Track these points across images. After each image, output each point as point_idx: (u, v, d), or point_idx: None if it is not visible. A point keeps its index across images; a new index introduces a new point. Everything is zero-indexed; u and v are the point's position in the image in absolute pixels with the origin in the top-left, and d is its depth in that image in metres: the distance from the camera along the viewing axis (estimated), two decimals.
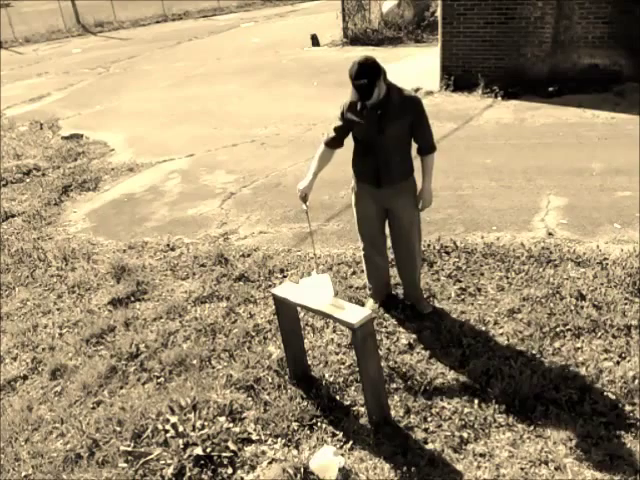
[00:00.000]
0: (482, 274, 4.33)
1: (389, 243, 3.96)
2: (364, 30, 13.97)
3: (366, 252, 3.96)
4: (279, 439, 3.08)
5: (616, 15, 8.12)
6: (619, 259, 4.31)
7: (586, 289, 3.98)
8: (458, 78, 9.05)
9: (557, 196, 5.49)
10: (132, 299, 4.56)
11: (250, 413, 3.26)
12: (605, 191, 5.49)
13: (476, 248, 4.66)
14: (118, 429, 3.24)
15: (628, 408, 3.03)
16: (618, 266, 4.22)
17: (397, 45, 13.42)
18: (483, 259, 4.51)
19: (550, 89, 8.42)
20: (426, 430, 3.05)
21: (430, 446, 2.95)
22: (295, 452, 2.99)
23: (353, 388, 3.36)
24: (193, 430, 3.11)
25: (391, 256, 4.07)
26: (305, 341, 3.62)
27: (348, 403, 3.27)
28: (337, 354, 3.65)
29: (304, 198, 3.52)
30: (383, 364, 3.34)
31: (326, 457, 2.84)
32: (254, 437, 3.11)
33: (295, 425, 3.14)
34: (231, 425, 3.16)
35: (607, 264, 4.27)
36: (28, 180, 7.48)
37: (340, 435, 3.05)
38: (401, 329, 3.82)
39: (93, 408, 3.49)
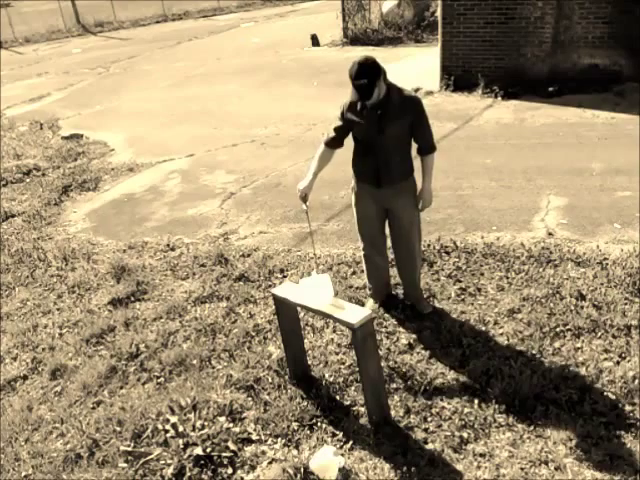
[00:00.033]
0: (482, 274, 4.33)
1: (389, 243, 3.96)
2: (364, 30, 13.97)
3: (366, 252, 3.96)
4: (279, 439, 3.08)
5: (616, 15, 8.12)
6: (619, 259, 4.31)
7: (586, 289, 3.98)
8: (458, 78, 9.05)
9: (557, 196, 5.49)
10: (132, 299, 4.56)
11: (250, 413, 3.26)
12: (605, 191, 5.49)
13: (476, 248, 4.66)
14: (118, 429, 3.24)
15: (628, 408, 3.03)
16: (618, 266, 4.22)
17: (397, 45, 13.42)
18: (483, 259, 4.51)
19: (550, 89, 8.42)
20: (426, 430, 3.05)
21: (430, 446, 2.95)
22: (295, 452, 2.99)
23: (353, 388, 3.36)
24: (193, 430, 3.11)
25: (391, 256, 4.07)
26: (305, 341, 3.62)
27: (348, 403, 3.27)
28: (337, 354, 3.65)
29: (304, 198, 3.52)
30: (383, 364, 3.35)
31: (326, 457, 2.84)
32: (254, 437, 3.11)
33: (295, 425, 3.14)
34: (231, 425, 3.16)
35: (607, 264, 4.27)
36: (28, 180, 7.48)
37: (340, 435, 3.05)
38: (401, 329, 3.82)
39: (93, 408, 3.49)
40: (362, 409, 3.19)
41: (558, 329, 3.64)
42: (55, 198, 6.77)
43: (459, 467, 2.82)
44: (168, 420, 3.19)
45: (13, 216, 6.46)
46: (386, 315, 3.96)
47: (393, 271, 4.15)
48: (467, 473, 2.79)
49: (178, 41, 17.99)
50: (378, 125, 3.40)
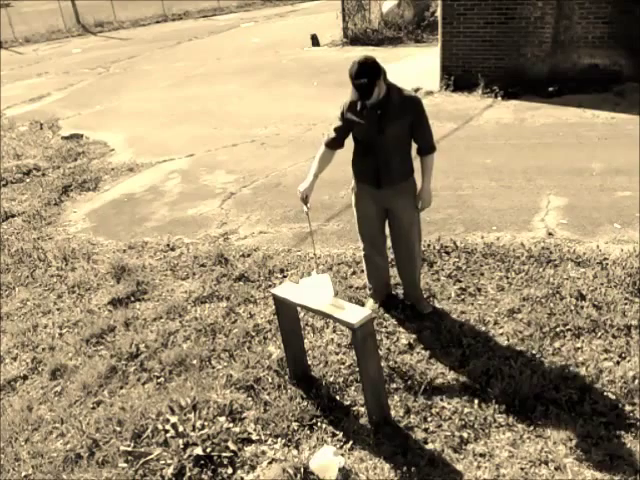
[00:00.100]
0: (482, 274, 4.33)
1: (389, 243, 3.96)
2: (364, 30, 13.97)
3: (366, 252, 3.96)
4: (279, 439, 3.08)
5: (616, 15, 8.12)
6: (619, 259, 4.31)
7: (586, 289, 3.98)
8: (458, 78, 9.05)
9: (557, 196, 5.49)
10: (132, 299, 4.56)
11: (250, 413, 3.26)
12: (605, 191, 5.49)
13: (476, 248, 4.66)
14: (118, 429, 3.24)
15: (628, 408, 3.03)
16: (618, 266, 4.22)
17: (397, 45, 13.42)
18: (483, 259, 4.51)
19: (550, 89, 8.42)
20: (426, 430, 3.05)
21: (430, 446, 2.95)
22: (295, 452, 2.99)
23: (353, 388, 3.36)
24: (193, 430, 3.11)
25: (391, 256, 4.07)
26: (305, 341, 3.62)
27: (348, 403, 3.27)
28: (337, 354, 3.65)
29: (305, 200, 3.51)
30: (383, 364, 3.34)
31: (326, 457, 2.84)
32: (254, 437, 3.11)
33: (295, 425, 3.14)
34: (231, 425, 3.16)
35: (607, 264, 4.27)
36: (28, 180, 7.48)
37: (340, 435, 3.05)
38: (401, 329, 3.82)
39: (93, 408, 3.49)
40: (362, 409, 3.19)
41: (558, 329, 3.64)
42: (55, 198, 6.77)
43: (459, 467, 2.82)
44: (168, 420, 3.19)
45: (13, 216, 6.46)
46: (386, 315, 3.96)
47: (393, 271, 4.15)
48: (467, 473, 2.79)
49: (178, 41, 17.99)
50: (378, 125, 3.40)
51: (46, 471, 3.09)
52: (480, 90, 8.82)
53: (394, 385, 3.35)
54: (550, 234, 4.82)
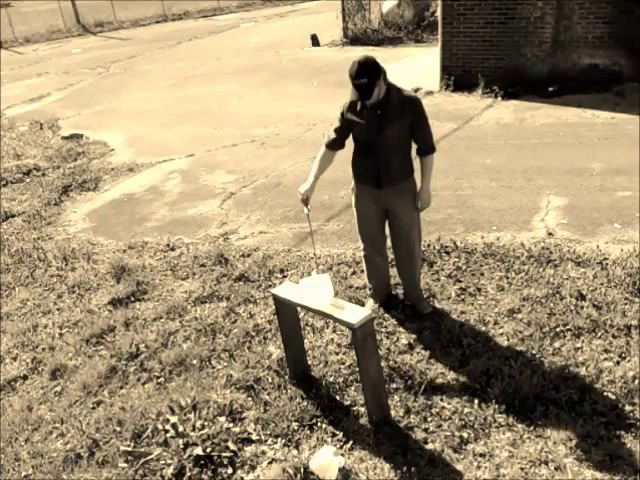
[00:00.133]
0: (482, 274, 4.33)
1: (389, 243, 3.96)
2: (364, 30, 13.97)
3: (366, 252, 3.96)
4: (279, 439, 3.08)
5: (616, 15, 8.12)
6: (619, 259, 4.31)
7: (586, 289, 3.98)
8: (458, 78, 9.05)
9: (557, 196, 5.49)
10: (132, 299, 4.56)
11: (250, 413, 3.26)
12: (605, 191, 5.49)
13: (476, 248, 4.66)
14: (118, 429, 3.24)
15: (628, 408, 3.03)
16: (618, 266, 4.22)
17: (397, 45, 13.42)
18: (483, 259, 4.51)
19: (550, 89, 8.42)
20: (426, 430, 3.05)
21: (430, 446, 2.95)
22: (295, 452, 2.99)
23: (353, 388, 3.36)
24: (193, 430, 3.11)
25: (391, 256, 4.07)
26: (305, 341, 3.62)
27: (348, 403, 3.27)
28: (337, 354, 3.65)
29: (305, 201, 3.51)
30: (383, 364, 3.34)
31: (326, 457, 2.84)
32: (254, 437, 3.11)
33: (295, 425, 3.14)
34: (231, 425, 3.16)
35: (607, 264, 4.27)
36: (28, 180, 7.48)
37: (340, 435, 3.05)
38: (401, 329, 3.82)
39: (93, 408, 3.49)
40: (362, 409, 3.19)
41: (558, 329, 3.64)
42: (55, 198, 6.77)
43: (459, 467, 2.82)
44: (168, 420, 3.19)
45: (13, 216, 6.46)
46: (386, 315, 3.96)
47: (393, 271, 4.15)
48: (467, 473, 2.79)
49: (178, 41, 18.00)
50: (378, 125, 3.40)
51: (46, 471, 3.09)
52: (480, 90, 8.82)
53: (394, 385, 3.35)
54: (550, 234, 4.82)
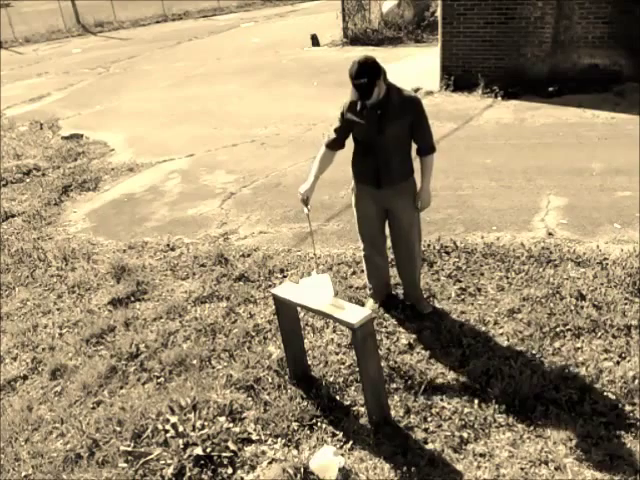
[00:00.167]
0: (482, 274, 4.33)
1: (389, 243, 3.96)
2: (364, 30, 13.97)
3: (366, 252, 3.95)
4: (279, 439, 3.08)
5: (616, 15, 8.12)
6: (619, 259, 4.31)
7: (586, 289, 3.98)
8: (458, 78, 9.05)
9: (557, 196, 5.49)
10: (132, 299, 4.56)
11: (250, 413, 3.26)
12: (605, 191, 5.49)
13: (476, 248, 4.66)
14: (118, 429, 3.24)
15: (628, 408, 3.03)
16: (618, 266, 4.22)
17: (397, 45, 13.42)
18: (483, 259, 4.51)
19: (550, 89, 8.42)
20: (426, 430, 3.05)
21: (430, 446, 2.95)
22: (295, 452, 2.99)
23: (353, 388, 3.36)
24: (193, 430, 3.11)
25: (391, 256, 4.07)
26: (305, 341, 3.62)
27: (348, 403, 3.27)
28: (337, 354, 3.64)
29: (305, 201, 3.51)
30: (383, 364, 3.34)
31: (326, 457, 2.84)
32: (254, 437, 3.11)
33: (295, 425, 3.14)
34: (231, 425, 3.16)
35: (607, 264, 4.27)
36: (28, 180, 7.48)
37: (340, 435, 3.05)
38: (401, 329, 3.82)
39: (93, 408, 3.49)
40: (362, 409, 3.19)
41: (558, 329, 3.64)
42: (55, 198, 6.77)
43: (459, 467, 2.82)
44: (168, 420, 3.19)
45: (13, 216, 6.46)
46: (386, 315, 3.96)
47: (393, 271, 4.15)
48: (467, 473, 2.79)
49: (178, 41, 18.00)
50: (378, 125, 3.40)
51: (46, 471, 3.09)
52: (480, 90, 8.82)
53: (394, 385, 3.35)
54: (550, 234, 4.82)
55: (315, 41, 14.49)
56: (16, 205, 6.74)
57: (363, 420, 3.13)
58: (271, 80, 11.54)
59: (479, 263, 4.46)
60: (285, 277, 4.57)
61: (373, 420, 3.08)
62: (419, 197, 3.66)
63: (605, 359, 3.37)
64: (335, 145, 3.59)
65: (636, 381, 3.16)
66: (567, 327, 3.64)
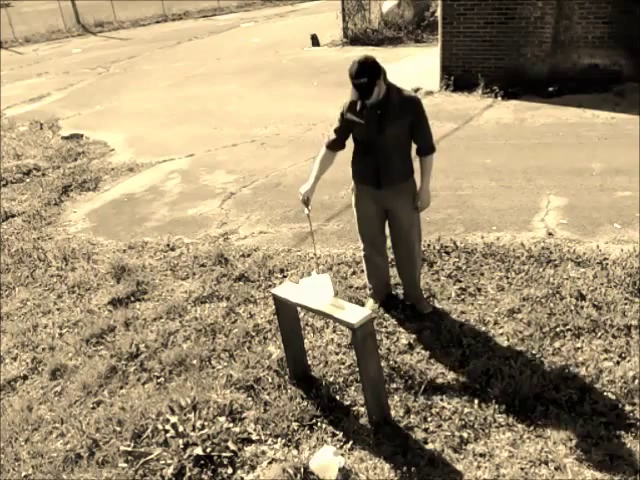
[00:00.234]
0: (482, 274, 4.33)
1: (389, 243, 3.96)
2: (364, 30, 13.97)
3: (366, 252, 3.95)
4: (279, 439, 3.08)
5: (616, 15, 8.12)
6: (619, 259, 4.31)
7: (586, 289, 3.98)
8: (458, 78, 9.05)
9: (557, 196, 5.49)
10: (132, 299, 4.56)
11: (250, 413, 3.26)
12: (605, 191, 5.49)
13: (476, 248, 4.66)
14: (118, 429, 3.24)
15: (628, 408, 3.03)
16: (618, 266, 4.22)
17: (397, 45, 13.42)
18: (483, 259, 4.51)
19: (550, 89, 8.42)
20: (426, 430, 3.05)
21: (430, 446, 2.95)
22: (295, 452, 2.99)
23: (353, 388, 3.36)
24: (193, 430, 3.11)
25: (391, 256, 4.07)
26: (305, 341, 3.62)
27: (348, 403, 3.27)
28: (337, 354, 3.64)
29: (306, 202, 3.51)
30: (383, 364, 3.34)
31: (326, 457, 2.84)
32: (254, 437, 3.11)
33: (295, 425, 3.14)
34: (231, 425, 3.16)
35: (607, 264, 4.27)
36: (28, 180, 7.48)
37: (340, 435, 3.05)
38: (401, 329, 3.82)
39: (93, 408, 3.49)
40: (362, 409, 3.19)
41: (558, 329, 3.64)
42: (55, 198, 6.77)
43: (459, 467, 2.82)
44: (168, 420, 3.19)
45: (13, 216, 6.46)
46: (386, 315, 3.96)
47: (393, 271, 4.15)
48: (467, 473, 2.79)
49: (178, 41, 18.00)
50: (378, 125, 3.40)
51: (46, 471, 3.09)
52: (480, 90, 8.82)
53: (394, 385, 3.35)
54: (550, 234, 4.82)
55: (315, 41, 14.49)
56: (16, 205, 6.74)
57: (363, 420, 3.13)
58: (271, 80, 11.54)
59: (479, 263, 4.46)
60: (285, 277, 4.57)
61: (373, 420, 3.08)
62: (419, 197, 3.66)
63: (605, 359, 3.37)
64: (335, 146, 3.59)
65: (636, 381, 3.16)
66: (567, 327, 3.64)
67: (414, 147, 3.59)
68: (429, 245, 4.72)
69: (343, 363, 3.56)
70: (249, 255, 4.98)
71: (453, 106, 8.54)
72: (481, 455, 2.87)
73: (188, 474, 2.90)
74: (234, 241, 5.32)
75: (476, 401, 3.17)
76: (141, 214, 6.18)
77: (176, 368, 3.70)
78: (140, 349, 3.92)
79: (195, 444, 3.01)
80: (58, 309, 4.60)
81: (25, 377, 3.88)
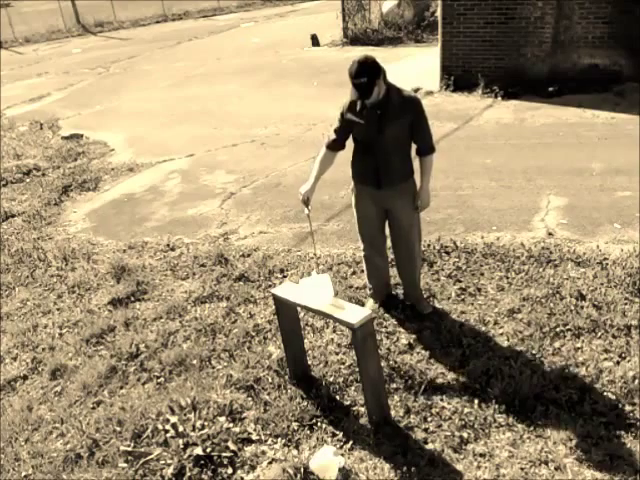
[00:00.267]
0: (482, 274, 4.33)
1: (389, 243, 3.96)
2: (364, 30, 13.97)
3: (366, 252, 3.95)
4: (279, 439, 3.08)
5: (616, 15, 8.12)
6: (619, 259, 4.31)
7: (586, 289, 3.98)
8: (458, 78, 9.05)
9: (557, 196, 5.49)
10: (132, 299, 4.56)
11: (250, 413, 3.26)
12: (605, 191, 5.49)
13: (476, 248, 4.66)
14: (118, 429, 3.24)
15: (628, 408, 3.03)
16: (618, 266, 4.22)
17: (397, 45, 13.42)
18: (483, 259, 4.51)
19: (550, 89, 8.42)
20: (426, 430, 3.05)
21: (430, 446, 2.95)
22: (295, 452, 2.99)
23: (353, 388, 3.36)
24: (193, 430, 3.11)
25: (391, 256, 4.07)
26: (305, 341, 3.62)
27: (348, 403, 3.27)
28: (337, 354, 3.64)
29: (306, 202, 3.51)
30: (383, 364, 3.34)
31: (326, 457, 2.84)
32: (254, 437, 3.11)
33: (295, 425, 3.14)
34: (231, 425, 3.16)
35: (607, 264, 4.27)
36: (28, 180, 7.48)
37: (340, 435, 3.05)
38: (401, 329, 3.82)
39: (93, 408, 3.49)
40: (362, 409, 3.19)
41: (558, 329, 3.64)
42: (55, 198, 6.77)
43: (459, 467, 2.82)
44: (168, 420, 3.19)
45: (13, 216, 6.46)
46: (386, 315, 3.96)
47: (393, 271, 4.15)
48: (467, 473, 2.79)
49: (178, 41, 18.00)
50: (378, 125, 3.40)
51: (46, 471, 3.09)
52: (480, 90, 8.82)
53: (394, 385, 3.35)
54: (550, 234, 4.82)
55: (315, 41, 14.49)
56: (16, 205, 6.74)
57: (363, 420, 3.13)
58: (271, 80, 11.54)
59: (479, 263, 4.46)
60: (285, 277, 4.57)
61: (373, 420, 3.08)
62: (419, 197, 3.66)
63: (605, 359, 3.37)
64: (335, 146, 3.59)
65: (636, 381, 3.16)
66: (567, 327, 3.64)
67: (414, 147, 3.59)
68: (429, 245, 4.72)
69: (343, 363, 3.56)
70: (249, 255, 4.98)
71: (453, 106, 8.54)
72: (481, 455, 2.87)
73: (188, 474, 2.90)
74: (234, 241, 5.32)
75: (476, 401, 3.17)
76: (141, 214, 6.18)
77: (176, 368, 3.71)
78: (140, 349, 3.92)
79: (195, 444, 3.01)
80: (58, 309, 4.60)
81: (25, 377, 3.88)
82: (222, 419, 3.19)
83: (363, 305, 3.93)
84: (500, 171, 6.17)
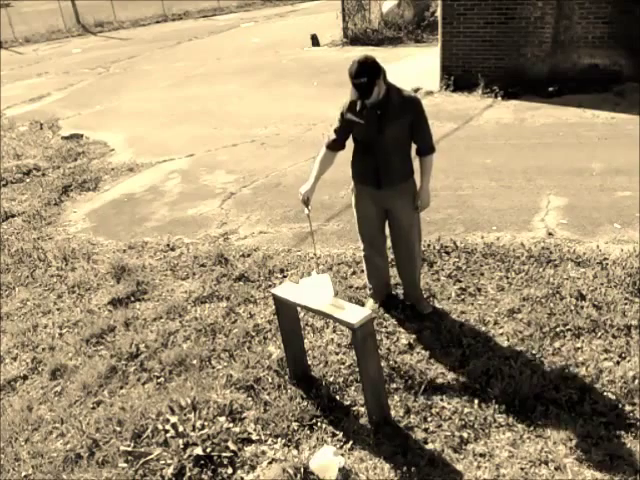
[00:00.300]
0: (482, 274, 4.33)
1: (389, 243, 3.96)
2: (364, 30, 13.97)
3: (366, 252, 3.95)
4: (279, 439, 3.08)
5: (616, 15, 8.12)
6: (619, 259, 4.31)
7: (586, 289, 3.98)
8: (458, 78, 9.05)
9: (557, 196, 5.49)
10: (132, 299, 4.56)
11: (250, 413, 3.26)
12: (605, 191, 5.49)
13: (476, 248, 4.66)
14: (118, 429, 3.24)
15: (628, 408, 3.03)
16: (618, 266, 4.22)
17: (397, 45, 13.42)
18: (483, 259, 4.51)
19: (550, 89, 8.42)
20: (426, 430, 3.05)
21: (430, 446, 2.95)
22: (295, 452, 2.99)
23: (353, 388, 3.36)
24: (193, 430, 3.11)
25: (391, 256, 4.07)
26: (305, 341, 3.62)
27: (348, 403, 3.27)
28: (337, 354, 3.64)
29: (306, 202, 3.51)
30: (383, 364, 3.34)
31: (326, 457, 2.84)
32: (254, 437, 3.11)
33: (295, 425, 3.14)
34: (231, 425, 3.16)
35: (607, 264, 4.27)
36: (28, 180, 7.48)
37: (340, 435, 3.05)
38: (401, 329, 3.82)
39: (93, 408, 3.49)
40: (362, 409, 3.19)
41: (558, 329, 3.64)
42: (55, 198, 6.77)
43: (459, 467, 2.82)
44: (168, 420, 3.19)
45: (13, 216, 6.46)
46: (386, 315, 3.96)
47: (393, 271, 4.15)
48: (467, 473, 2.79)
49: (178, 41, 18.00)
50: (378, 125, 3.40)
51: (46, 471, 3.09)
52: (480, 90, 8.82)
53: (394, 385, 3.35)
54: (550, 234, 4.82)
55: (315, 41, 14.49)
56: (16, 205, 6.74)
57: (363, 420, 3.13)
58: (271, 80, 11.54)
59: (479, 263, 4.46)
60: (285, 277, 4.57)
61: (373, 420, 3.08)
62: (419, 197, 3.66)
63: (605, 359, 3.37)
64: (335, 146, 3.59)
65: (636, 381, 3.16)
66: (567, 327, 3.64)
67: (414, 147, 3.59)
68: (429, 245, 4.72)
69: (343, 363, 3.56)
70: (249, 255, 4.98)
71: (453, 106, 8.54)
72: (481, 455, 2.87)
73: (188, 474, 2.90)
74: (234, 241, 5.32)
75: (476, 401, 3.17)
76: (141, 214, 6.18)
77: (176, 368, 3.71)
78: (140, 349, 3.92)
79: (195, 444, 3.01)
80: (58, 309, 4.60)
81: (25, 377, 3.88)
82: (222, 419, 3.19)
83: (363, 305, 3.93)
84: (500, 171, 6.18)
